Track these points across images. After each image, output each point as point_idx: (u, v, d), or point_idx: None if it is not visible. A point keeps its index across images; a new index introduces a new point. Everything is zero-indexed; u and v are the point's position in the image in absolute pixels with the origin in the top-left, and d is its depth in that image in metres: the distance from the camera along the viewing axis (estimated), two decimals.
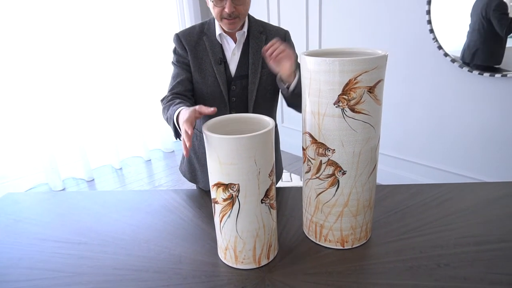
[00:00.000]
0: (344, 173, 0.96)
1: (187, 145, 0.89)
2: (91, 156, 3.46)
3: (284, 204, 1.31)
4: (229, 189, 0.89)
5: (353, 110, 0.89)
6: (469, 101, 2.30)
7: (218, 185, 0.91)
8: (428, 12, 2.28)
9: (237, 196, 0.90)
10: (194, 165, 1.42)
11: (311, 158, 1.00)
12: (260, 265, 0.99)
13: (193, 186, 1.53)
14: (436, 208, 1.23)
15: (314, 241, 1.08)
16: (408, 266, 0.97)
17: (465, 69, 2.23)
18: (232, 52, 1.25)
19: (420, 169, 2.67)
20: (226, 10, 1.12)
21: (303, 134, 1.02)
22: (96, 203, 1.39)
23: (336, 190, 0.98)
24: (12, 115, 2.86)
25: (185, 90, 1.25)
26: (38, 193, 1.55)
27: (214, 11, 1.16)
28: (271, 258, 1.01)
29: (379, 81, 0.89)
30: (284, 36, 1.29)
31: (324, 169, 0.97)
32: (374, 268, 0.97)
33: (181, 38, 1.24)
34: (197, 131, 1.37)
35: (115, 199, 1.41)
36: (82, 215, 1.31)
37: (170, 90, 1.27)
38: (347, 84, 0.87)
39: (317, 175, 0.99)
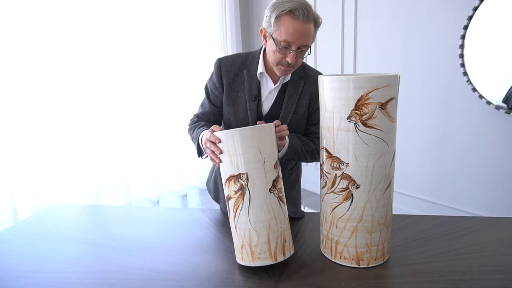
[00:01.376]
0: (357, 187, 0.99)
1: (217, 162, 1.04)
2: (131, 188, 3.66)
3: (304, 228, 1.32)
4: (239, 180, 0.98)
5: (365, 124, 0.95)
6: (506, 144, 2.23)
7: (230, 178, 1.00)
8: (462, 56, 2.31)
9: (247, 186, 0.98)
10: (218, 185, 1.49)
11: (327, 173, 1.04)
12: (277, 261, 1.01)
13: (217, 206, 1.59)
14: (460, 238, 1.19)
15: (330, 258, 1.09)
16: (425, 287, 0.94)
17: (502, 111, 2.19)
18: (269, 91, 1.27)
19: (455, 214, 2.54)
20: (288, 60, 1.13)
21: (320, 150, 1.08)
22: (129, 216, 1.49)
23: (350, 204, 1.00)
24: (63, 149, 3.14)
25: (207, 121, 1.36)
26: (79, 205, 1.68)
27: (274, 56, 1.16)
28: (287, 255, 1.03)
29: (391, 99, 0.95)
30: None
31: (339, 182, 1.01)
32: (389, 287, 0.96)
33: (221, 67, 1.28)
34: None
35: (146, 214, 1.51)
36: (115, 224, 1.41)
37: (196, 116, 1.39)
38: (359, 100, 0.93)
39: (332, 189, 1.03)
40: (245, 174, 0.98)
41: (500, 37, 2.18)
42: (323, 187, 1.07)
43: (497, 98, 2.22)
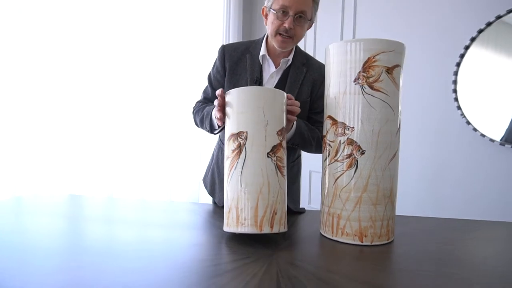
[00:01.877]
0: (363, 153, 0.95)
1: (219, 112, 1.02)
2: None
3: (302, 219, 1.25)
4: (238, 138, 0.94)
5: (371, 87, 0.94)
6: (503, 175, 2.22)
7: (230, 137, 0.97)
8: (455, 91, 2.40)
9: (245, 145, 0.94)
10: (215, 179, 1.44)
11: (330, 142, 1.01)
12: (262, 231, 0.92)
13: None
14: (468, 232, 1.13)
15: (330, 237, 1.01)
16: (441, 272, 0.86)
17: (496, 143, 2.22)
18: (271, 75, 1.30)
19: None
20: (286, 25, 1.16)
21: (324, 122, 1.06)
22: (111, 204, 1.40)
23: (355, 172, 0.96)
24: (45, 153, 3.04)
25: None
26: (54, 196, 1.59)
27: (272, 25, 1.20)
28: (275, 229, 0.94)
29: (396, 66, 0.96)
30: (322, 80, 1.27)
31: (343, 149, 0.98)
32: (400, 260, 0.88)
33: (225, 52, 1.31)
34: (221, 144, 1.42)
35: (129, 204, 1.42)
36: (95, 211, 1.32)
37: (199, 101, 1.39)
38: (366, 62, 0.94)
39: (336, 157, 0.99)
40: (245, 133, 0.95)
41: (493, 74, 2.29)
42: (326, 159, 1.03)
43: (493, 132, 2.26)
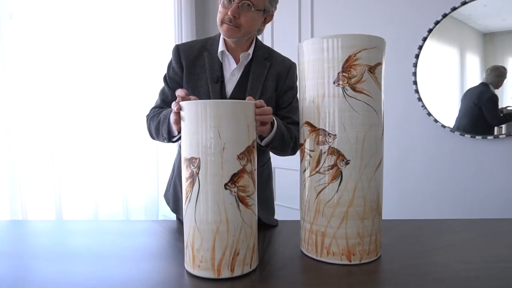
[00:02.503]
0: (347, 163, 0.85)
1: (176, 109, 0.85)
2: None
3: (277, 234, 1.13)
4: (190, 165, 0.80)
5: (354, 89, 0.84)
6: (464, 165, 2.27)
7: (183, 161, 0.82)
8: (415, 83, 2.40)
9: (197, 174, 0.78)
10: (178, 194, 1.28)
11: (310, 151, 0.90)
12: (220, 276, 0.79)
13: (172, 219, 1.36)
14: (451, 235, 1.08)
15: (315, 257, 0.91)
16: (432, 279, 0.79)
17: (457, 133, 2.25)
18: (232, 72, 1.19)
19: None
20: (229, 13, 1.09)
21: (300, 128, 0.95)
22: (61, 229, 1.20)
23: (339, 185, 0.86)
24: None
25: None
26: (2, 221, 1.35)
27: (219, 15, 1.13)
28: (237, 272, 0.80)
29: (378, 64, 0.86)
30: (289, 67, 1.24)
31: (325, 159, 0.87)
32: (390, 280, 0.79)
33: (180, 51, 1.19)
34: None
35: (83, 227, 1.23)
36: (43, 238, 1.12)
37: (154, 107, 1.22)
38: (347, 61, 0.83)
39: (317, 169, 0.88)
40: (197, 160, 0.78)
41: (448, 64, 2.31)
42: (305, 170, 0.92)
43: (452, 122, 2.30)
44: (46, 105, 2.78)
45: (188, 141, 0.80)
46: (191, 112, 0.78)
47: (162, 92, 1.23)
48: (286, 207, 3.37)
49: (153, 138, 1.18)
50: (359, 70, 0.84)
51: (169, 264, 0.89)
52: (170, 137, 1.08)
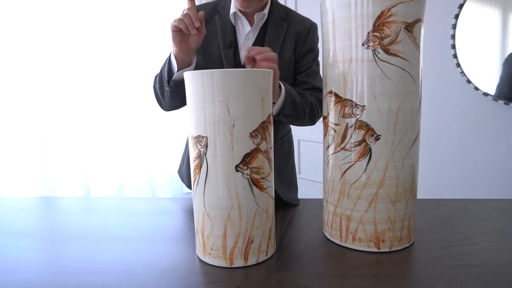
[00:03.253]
0: (377, 139, 0.74)
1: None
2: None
3: (299, 214, 1.05)
4: (197, 144, 0.70)
5: (387, 51, 0.71)
6: (510, 138, 2.07)
7: (191, 139, 0.73)
8: (454, 47, 2.18)
9: (205, 154, 0.69)
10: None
11: (335, 125, 0.79)
12: (232, 265, 0.72)
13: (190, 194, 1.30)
14: (496, 218, 0.96)
15: (339, 242, 0.82)
16: (473, 274, 0.68)
17: (501, 101, 2.04)
18: (246, 36, 1.09)
19: None
20: None
21: (324, 99, 0.83)
22: (83, 206, 1.17)
23: (368, 163, 0.75)
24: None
25: None
26: (28, 198, 1.34)
27: None
28: (251, 260, 0.73)
29: (417, 20, 0.73)
30: (309, 27, 1.12)
31: (351, 135, 0.76)
32: (424, 272, 0.69)
33: None
34: None
35: (103, 204, 1.19)
36: (63, 216, 1.09)
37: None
38: (379, 17, 0.70)
39: (342, 145, 0.77)
40: (204, 139, 0.69)
41: (490, 26, 2.07)
42: (329, 147, 0.81)
43: (492, 89, 2.08)
44: (73, 85, 2.81)
45: (194, 117, 0.71)
46: (196, 83, 0.69)
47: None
48: (311, 180, 3.28)
49: (158, 99, 1.09)
50: (394, 29, 0.70)
51: (181, 248, 0.83)
52: (170, 77, 0.98)
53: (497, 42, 2.04)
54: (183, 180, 1.27)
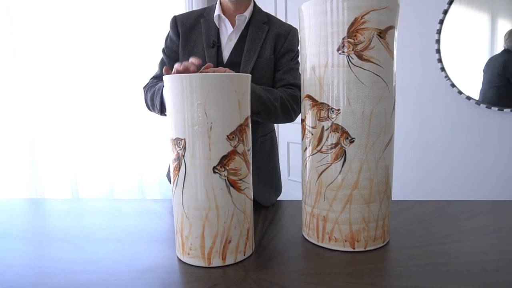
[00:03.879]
0: (352, 141, 0.76)
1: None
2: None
3: (280, 214, 1.07)
4: (176, 146, 0.73)
5: (360, 57, 0.74)
6: (491, 141, 2.11)
7: (170, 141, 0.75)
8: (438, 51, 2.22)
9: (183, 156, 0.72)
10: None
11: (311, 128, 0.81)
12: (210, 265, 0.74)
13: None
14: (468, 219, 0.99)
15: (316, 242, 0.84)
16: (443, 271, 0.71)
17: (483, 105, 2.09)
18: (229, 37, 1.13)
19: None
20: None
21: (301, 103, 0.86)
22: (63, 208, 1.18)
23: (343, 165, 0.77)
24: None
25: None
26: (16, 200, 1.34)
27: None
28: (229, 260, 0.75)
29: (390, 27, 0.75)
30: (289, 30, 1.17)
31: (327, 137, 0.78)
32: (396, 271, 0.72)
33: (177, 20, 1.15)
34: None
35: (86, 206, 1.20)
36: (40, 218, 1.10)
37: (153, 78, 1.19)
38: (352, 24, 0.73)
39: (319, 148, 0.80)
40: (183, 141, 0.72)
41: (476, 31, 2.11)
42: (306, 149, 0.84)
43: (476, 94, 2.13)
44: (63, 86, 2.79)
45: (173, 119, 0.72)
46: (175, 87, 0.71)
47: (161, 62, 1.20)
48: (300, 182, 3.30)
49: (149, 109, 1.16)
50: (367, 35, 0.73)
51: (162, 248, 0.85)
52: (163, 110, 1.05)
53: (481, 46, 2.09)
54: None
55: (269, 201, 1.14)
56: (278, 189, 1.24)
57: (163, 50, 1.20)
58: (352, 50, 0.73)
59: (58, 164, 2.89)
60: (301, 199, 1.18)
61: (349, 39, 0.73)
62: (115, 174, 3.20)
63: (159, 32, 3.18)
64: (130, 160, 3.29)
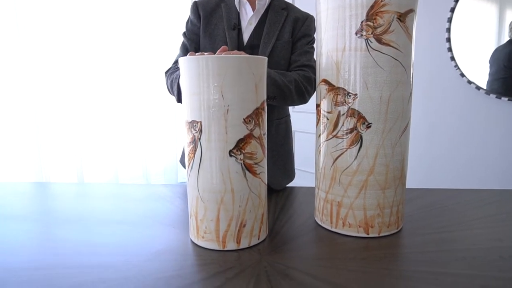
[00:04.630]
0: (368, 126, 0.75)
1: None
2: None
3: (292, 200, 1.07)
4: (191, 129, 0.72)
5: (379, 40, 0.72)
6: (500, 130, 2.10)
7: (186, 124, 0.74)
8: (448, 40, 2.19)
9: (199, 139, 0.71)
10: None
11: (327, 113, 0.80)
12: (225, 248, 0.74)
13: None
14: (480, 208, 0.98)
15: (329, 228, 0.84)
16: (459, 257, 0.71)
17: (492, 95, 2.07)
18: (249, 21, 1.16)
19: None
20: None
21: (317, 87, 0.85)
22: (78, 192, 1.18)
23: (359, 151, 0.77)
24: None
25: None
26: (23, 183, 1.35)
27: None
28: (243, 243, 0.75)
29: (410, 11, 0.74)
30: (306, 17, 1.19)
31: (343, 122, 0.77)
32: (411, 257, 0.72)
33: (198, 5, 1.17)
34: None
35: (98, 189, 1.20)
36: (57, 201, 1.10)
37: (175, 62, 1.19)
38: (372, 7, 0.71)
39: (334, 133, 0.79)
40: (199, 124, 0.71)
41: (486, 21, 2.08)
42: (321, 134, 0.83)
43: (485, 83, 2.10)
44: (68, 73, 2.79)
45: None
46: (191, 69, 0.70)
47: (182, 46, 1.22)
48: (304, 171, 3.30)
49: (169, 92, 1.17)
50: (387, 18, 0.72)
51: (175, 232, 0.85)
52: (180, 98, 1.06)
53: (492, 36, 2.06)
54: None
55: (280, 185, 1.16)
56: (291, 173, 1.24)
57: (184, 34, 1.21)
58: (371, 33, 0.72)
59: (64, 150, 2.90)
60: (307, 186, 1.19)
61: (368, 22, 0.72)
62: (121, 160, 3.21)
63: (163, 21, 3.16)
64: (136, 147, 3.30)
